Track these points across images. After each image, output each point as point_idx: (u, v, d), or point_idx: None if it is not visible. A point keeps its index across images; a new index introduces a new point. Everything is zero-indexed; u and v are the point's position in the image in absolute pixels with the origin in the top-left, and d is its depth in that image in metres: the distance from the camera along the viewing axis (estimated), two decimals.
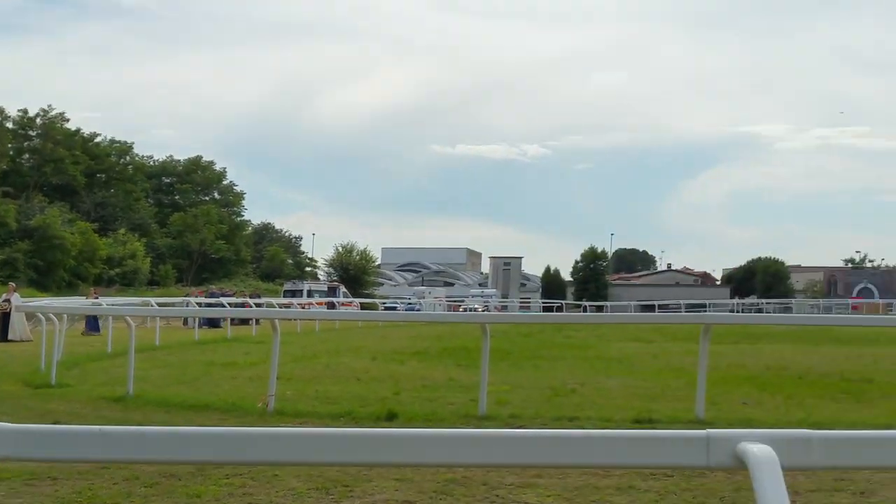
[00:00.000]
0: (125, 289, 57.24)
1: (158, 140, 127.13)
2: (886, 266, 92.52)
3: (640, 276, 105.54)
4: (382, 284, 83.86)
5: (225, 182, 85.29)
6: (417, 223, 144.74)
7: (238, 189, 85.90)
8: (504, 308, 61.65)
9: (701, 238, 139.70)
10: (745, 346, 20.98)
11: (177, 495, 6.43)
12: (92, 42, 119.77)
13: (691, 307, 60.35)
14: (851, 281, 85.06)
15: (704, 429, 2.18)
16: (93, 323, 26.53)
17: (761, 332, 25.25)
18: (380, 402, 11.03)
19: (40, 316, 19.10)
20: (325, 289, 53.70)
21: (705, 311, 49.59)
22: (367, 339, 25.73)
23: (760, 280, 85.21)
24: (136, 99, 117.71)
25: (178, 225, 73.69)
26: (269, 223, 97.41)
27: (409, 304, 54.91)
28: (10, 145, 68.89)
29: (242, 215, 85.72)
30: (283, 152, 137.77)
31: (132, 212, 73.34)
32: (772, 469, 2.02)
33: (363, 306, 46.77)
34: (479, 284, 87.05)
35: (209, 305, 31.59)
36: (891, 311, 62.86)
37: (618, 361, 17.73)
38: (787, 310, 65.46)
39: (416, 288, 77.37)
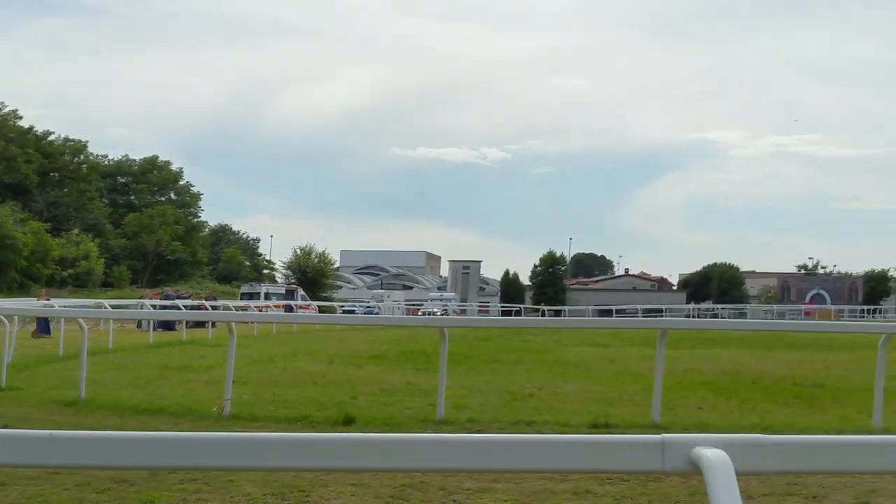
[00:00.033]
0: (78, 290, 56.36)
1: (114, 139, 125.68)
2: (838, 272, 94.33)
3: (597, 281, 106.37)
4: (341, 287, 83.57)
5: (181, 182, 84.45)
6: (377, 226, 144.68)
7: (195, 190, 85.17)
8: (463, 312, 61.75)
9: (658, 243, 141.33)
10: (701, 351, 21.23)
11: (129, 501, 6.33)
12: (47, 39, 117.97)
13: (648, 312, 61.02)
14: (804, 287, 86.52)
15: (660, 433, 2.19)
16: (43, 325, 26.07)
17: (717, 337, 25.58)
18: (337, 407, 10.98)
19: None
20: (283, 291, 53.37)
21: (662, 316, 50.24)
22: (324, 342, 25.58)
23: (716, 285, 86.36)
24: (91, 97, 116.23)
25: (133, 225, 72.77)
26: (227, 225, 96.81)
27: (368, 307, 54.78)
28: None
29: (199, 216, 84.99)
30: (242, 153, 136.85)
31: (86, 212, 72.28)
32: (726, 474, 2.05)
33: (321, 309, 46.54)
34: (439, 288, 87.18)
35: (164, 308, 31.20)
36: (842, 316, 64.06)
37: (575, 366, 17.84)
38: (742, 315, 66.47)
39: (374, 291, 77.20)
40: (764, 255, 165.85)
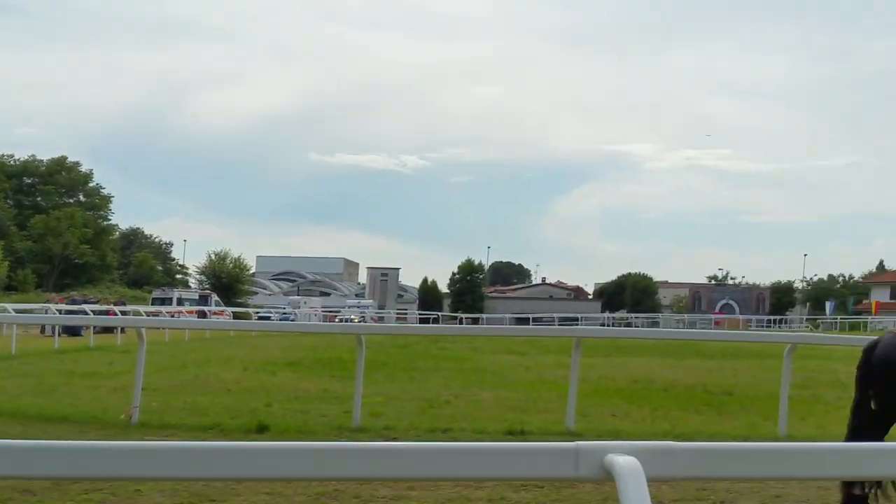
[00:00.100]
0: None
1: (20, 139, 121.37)
2: (746, 283, 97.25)
3: (515, 289, 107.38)
4: (257, 293, 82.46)
5: (91, 184, 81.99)
6: (294, 232, 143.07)
7: (105, 192, 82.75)
8: (381, 319, 61.62)
9: (574, 253, 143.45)
10: (615, 359, 21.61)
11: None
12: None
13: (564, 320, 61.93)
14: (714, 297, 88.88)
15: (574, 440, 2.22)
16: None
17: (630, 345, 26.08)
18: (250, 414, 10.82)
19: None
20: (197, 297, 52.49)
21: (577, 325, 51.00)
22: (238, 349, 25.20)
23: (630, 295, 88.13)
24: None
25: (39, 228, 70.38)
26: (138, 228, 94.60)
27: (284, 313, 54.22)
28: None
29: (109, 219, 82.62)
30: (155, 155, 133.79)
31: None
32: (637, 480, 2.08)
33: (236, 315, 45.84)
34: (356, 295, 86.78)
35: (70, 312, 30.26)
36: (750, 326, 66.08)
37: (492, 373, 17.95)
38: (655, 324, 68.01)
39: (291, 297, 76.46)
40: (676, 265, 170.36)
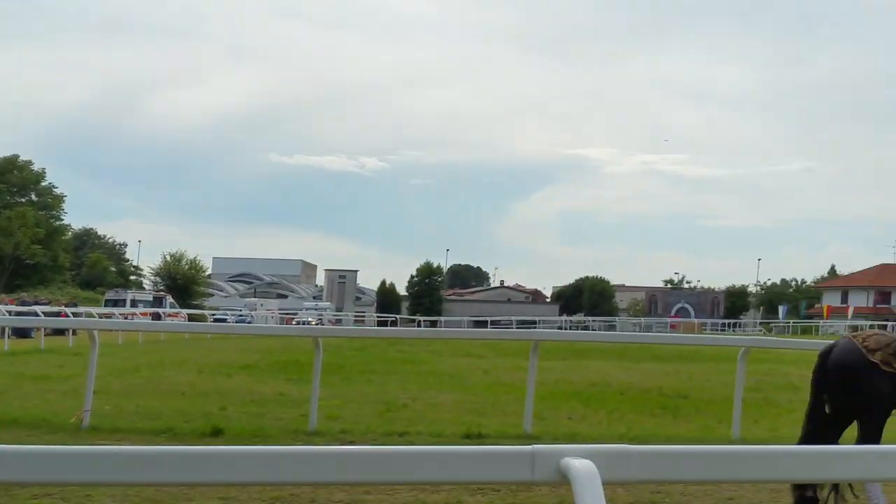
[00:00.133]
0: None
1: None
2: (702, 287, 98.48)
3: (473, 292, 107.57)
4: (213, 295, 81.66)
5: (44, 184, 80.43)
6: (251, 233, 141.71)
7: (58, 191, 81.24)
8: (338, 321, 61.35)
9: (533, 256, 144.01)
10: (572, 363, 21.72)
11: None
12: None
13: (522, 324, 62.18)
14: (670, 301, 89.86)
15: (531, 444, 2.22)
16: None
17: (587, 348, 26.22)
18: (205, 418, 10.69)
19: None
20: (151, 299, 51.87)
21: (535, 328, 51.25)
22: (193, 351, 24.92)
23: (587, 298, 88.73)
24: None
25: None
26: (92, 228, 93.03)
27: (240, 315, 53.77)
28: None
29: (62, 219, 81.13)
30: (109, 155, 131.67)
31: None
32: (592, 483, 2.09)
33: (191, 317, 45.34)
34: (314, 297, 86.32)
35: (20, 314, 29.70)
36: (705, 329, 66.91)
37: (450, 376, 17.96)
38: (612, 327, 68.53)
39: (247, 299, 75.85)
40: (633, 269, 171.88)
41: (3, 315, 27.76)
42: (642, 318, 77.54)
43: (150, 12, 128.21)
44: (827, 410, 6.43)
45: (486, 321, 61.87)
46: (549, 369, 17.50)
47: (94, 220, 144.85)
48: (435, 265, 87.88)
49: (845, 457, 2.48)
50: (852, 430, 6.47)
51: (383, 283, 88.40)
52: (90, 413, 10.17)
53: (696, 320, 75.45)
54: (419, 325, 56.87)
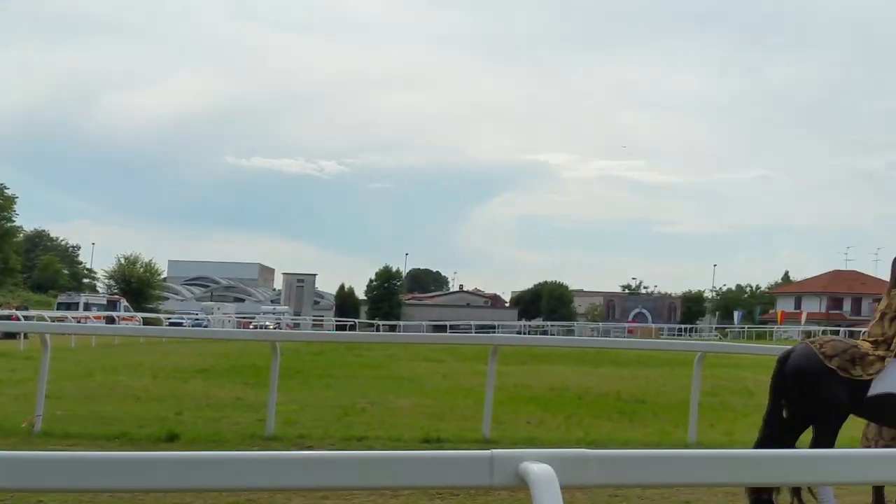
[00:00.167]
0: None
1: None
2: (659, 292, 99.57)
3: (432, 297, 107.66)
4: (168, 299, 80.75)
5: None
6: (208, 236, 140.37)
7: (9, 192, 79.72)
8: (296, 326, 60.97)
9: (492, 261, 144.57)
10: (531, 367, 21.79)
11: None
12: None
13: (481, 328, 62.28)
14: (628, 306, 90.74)
15: (490, 448, 2.22)
16: None
17: (546, 353, 26.31)
18: (160, 423, 10.55)
19: None
20: (105, 302, 51.21)
21: (494, 333, 51.35)
22: (148, 356, 24.60)
23: (546, 303, 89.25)
24: None
25: None
26: (44, 230, 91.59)
27: (197, 320, 53.24)
28: None
29: (13, 221, 79.61)
30: (63, 156, 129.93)
31: None
32: (551, 488, 2.09)
33: (146, 321, 44.79)
34: (272, 301, 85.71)
35: None
36: (662, 334, 67.63)
37: (408, 381, 17.92)
38: (570, 332, 68.93)
39: (204, 303, 75.11)
40: (592, 274, 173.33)
41: None
42: (600, 323, 78.17)
43: (106, 12, 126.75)
44: (784, 415, 6.53)
45: (446, 325, 61.89)
46: (508, 374, 17.55)
47: (46, 222, 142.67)
48: (394, 269, 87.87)
49: (799, 461, 2.52)
50: (808, 433, 6.57)
51: (342, 287, 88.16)
52: (42, 418, 9.98)
53: (653, 325, 76.23)
54: (378, 330, 56.72)
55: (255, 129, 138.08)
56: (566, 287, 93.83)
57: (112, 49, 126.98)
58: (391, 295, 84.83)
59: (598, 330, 71.94)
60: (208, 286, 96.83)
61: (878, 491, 6.73)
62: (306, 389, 15.27)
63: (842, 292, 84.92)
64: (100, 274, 79.36)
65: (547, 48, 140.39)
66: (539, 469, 2.12)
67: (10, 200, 79.20)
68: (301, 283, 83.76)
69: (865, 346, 6.50)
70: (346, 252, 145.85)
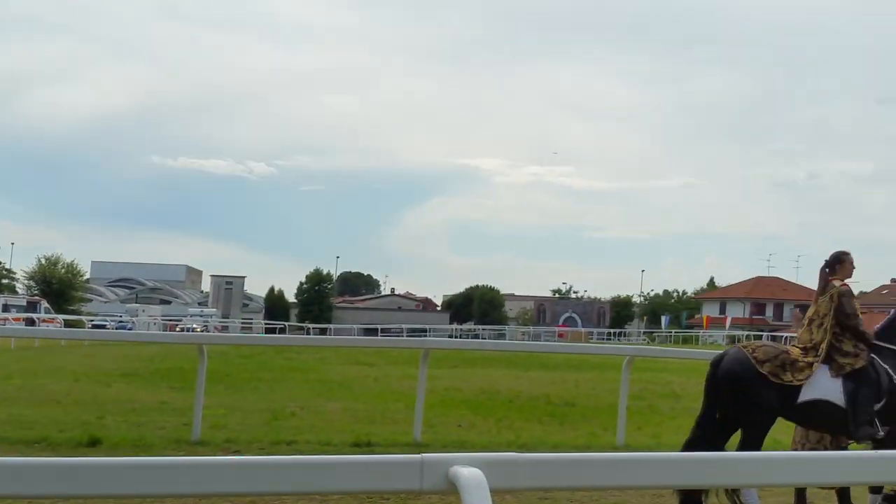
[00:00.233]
0: None
1: None
2: (588, 297, 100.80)
3: (364, 300, 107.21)
4: (91, 300, 78.83)
5: None
6: (133, 237, 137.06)
7: None
8: (224, 328, 60.13)
9: (423, 264, 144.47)
10: (462, 371, 21.87)
11: None
12: None
13: (413, 332, 62.26)
14: (558, 310, 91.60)
15: (421, 452, 2.21)
16: None
17: (477, 357, 26.45)
18: (81, 427, 10.29)
19: None
20: (24, 303, 49.83)
21: (425, 336, 51.40)
22: (70, 358, 23.98)
23: (477, 307, 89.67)
24: None
25: None
26: None
27: (121, 322, 52.15)
28: None
29: None
30: None
31: None
32: (480, 491, 2.09)
33: (68, 323, 43.70)
34: (199, 303, 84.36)
35: None
36: (591, 338, 68.51)
37: (339, 384, 17.83)
38: (501, 336, 69.43)
39: (129, 305, 73.59)
40: (522, 278, 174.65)
41: None
42: (531, 327, 78.76)
43: (29, 6, 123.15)
44: (717, 417, 6.67)
45: (377, 329, 61.75)
46: (439, 377, 17.58)
47: None
48: (325, 272, 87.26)
49: (725, 463, 2.56)
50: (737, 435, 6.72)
51: (272, 289, 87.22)
52: None
53: (582, 329, 77.13)
54: (308, 333, 56.27)
55: (182, 129, 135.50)
56: (497, 291, 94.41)
57: (34, 45, 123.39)
58: (322, 298, 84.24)
59: (529, 334, 72.53)
60: (133, 288, 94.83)
61: (801, 493, 6.91)
62: (234, 393, 15.06)
63: (764, 298, 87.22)
64: (19, 274, 77.01)
65: (479, 53, 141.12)
66: (469, 473, 2.12)
67: None
68: (229, 286, 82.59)
69: (795, 352, 6.67)
70: (276, 254, 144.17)
